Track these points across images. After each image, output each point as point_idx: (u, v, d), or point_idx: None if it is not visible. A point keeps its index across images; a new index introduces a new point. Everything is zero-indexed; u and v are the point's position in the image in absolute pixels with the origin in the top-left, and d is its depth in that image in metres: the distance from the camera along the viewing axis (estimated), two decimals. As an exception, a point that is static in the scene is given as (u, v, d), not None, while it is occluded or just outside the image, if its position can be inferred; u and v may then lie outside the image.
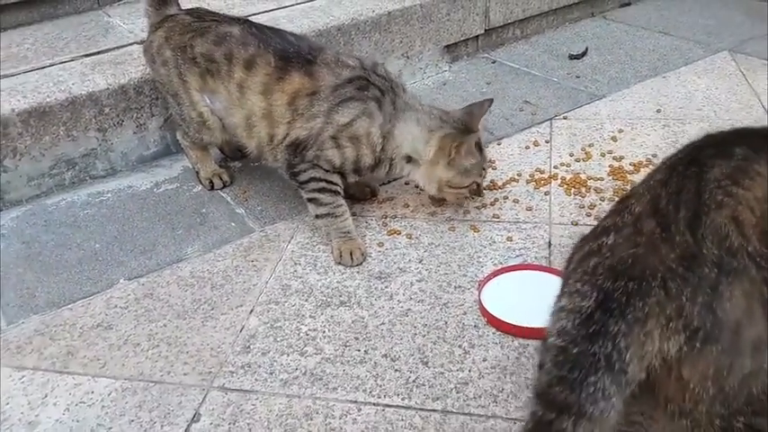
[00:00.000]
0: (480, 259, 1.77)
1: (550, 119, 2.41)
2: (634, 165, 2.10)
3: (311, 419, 1.35)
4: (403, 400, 1.38)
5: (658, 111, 2.42)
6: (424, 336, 1.54)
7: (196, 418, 1.36)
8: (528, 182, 2.06)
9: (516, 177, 2.08)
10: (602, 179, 2.05)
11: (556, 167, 2.12)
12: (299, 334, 1.56)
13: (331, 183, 1.80)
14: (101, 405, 1.40)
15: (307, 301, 1.66)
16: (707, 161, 1.04)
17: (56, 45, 2.39)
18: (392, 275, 1.73)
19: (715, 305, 0.92)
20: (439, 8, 2.71)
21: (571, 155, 2.18)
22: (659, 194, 1.04)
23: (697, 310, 0.92)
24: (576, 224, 1.86)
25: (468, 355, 1.48)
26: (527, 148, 2.24)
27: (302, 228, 1.92)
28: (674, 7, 3.35)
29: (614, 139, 2.26)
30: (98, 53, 2.31)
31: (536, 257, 1.76)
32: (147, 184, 2.16)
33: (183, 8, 2.04)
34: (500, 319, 1.53)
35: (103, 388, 1.44)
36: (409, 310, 1.61)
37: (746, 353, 0.92)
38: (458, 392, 1.39)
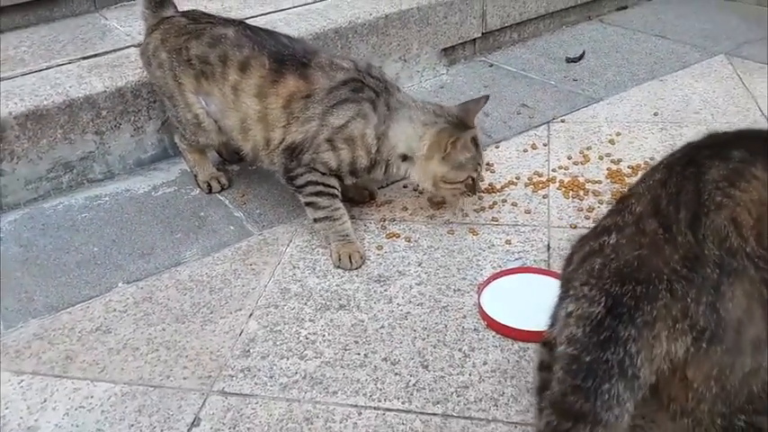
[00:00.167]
0: (479, 262, 1.77)
1: (548, 122, 2.41)
2: (632, 168, 2.10)
3: (311, 424, 1.34)
4: (403, 403, 1.38)
5: (656, 114, 2.43)
6: (423, 339, 1.54)
7: (196, 422, 1.36)
8: (526, 185, 2.06)
9: (514, 180, 2.09)
10: (600, 182, 2.05)
11: (554, 170, 2.12)
12: (298, 338, 1.56)
13: (328, 186, 1.80)
14: (100, 410, 1.40)
15: (306, 304, 1.66)
16: (704, 162, 1.05)
17: (53, 48, 2.38)
18: (391, 279, 1.72)
19: (718, 305, 0.93)
20: (436, 11, 2.71)
21: (569, 158, 2.18)
22: (659, 194, 1.05)
23: (702, 309, 0.93)
24: (575, 227, 1.87)
25: (468, 359, 1.48)
26: (525, 151, 2.25)
27: (301, 231, 1.92)
28: (670, 11, 3.36)
29: (612, 142, 2.26)
30: (95, 56, 2.31)
31: (535, 260, 1.76)
32: (144, 187, 2.15)
33: (179, 10, 2.04)
34: (500, 323, 1.54)
35: (103, 392, 1.44)
36: (409, 313, 1.61)
37: (747, 352, 0.93)
38: (458, 396, 1.39)
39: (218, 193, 2.11)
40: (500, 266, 1.74)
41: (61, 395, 1.43)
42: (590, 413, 0.93)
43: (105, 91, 2.12)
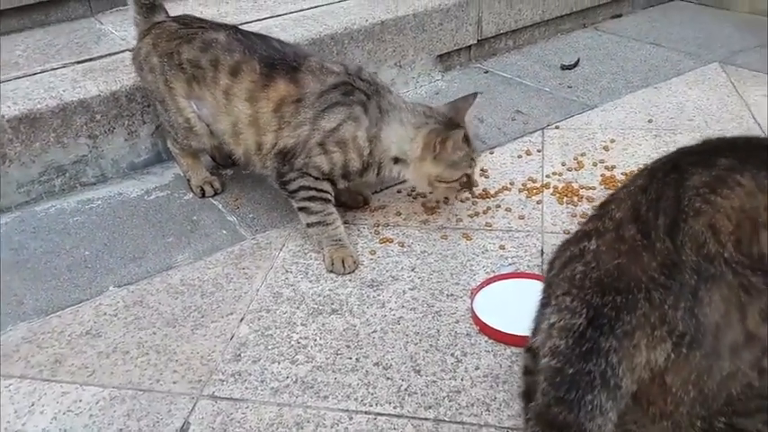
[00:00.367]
0: (473, 267, 1.76)
1: (542, 128, 2.42)
2: (626, 174, 2.10)
3: (302, 428, 1.33)
4: (395, 408, 1.37)
5: (650, 121, 2.43)
6: (416, 344, 1.53)
7: (185, 427, 1.35)
8: (520, 191, 2.06)
9: (509, 186, 2.08)
10: (593, 188, 2.05)
11: (548, 176, 2.12)
12: (290, 342, 1.55)
13: (321, 191, 1.79)
14: (89, 414, 1.38)
15: (298, 308, 1.65)
16: (688, 168, 1.05)
17: (47, 52, 2.38)
18: (384, 283, 1.72)
19: (696, 310, 0.93)
20: (432, 18, 2.72)
21: (563, 164, 2.18)
22: (639, 201, 1.05)
23: (680, 315, 0.93)
24: (569, 233, 1.85)
25: (460, 364, 1.47)
26: (519, 157, 2.25)
27: (294, 235, 1.91)
28: (665, 19, 3.38)
29: (606, 148, 2.26)
30: (90, 60, 2.31)
31: (528, 266, 1.76)
32: (137, 191, 2.15)
33: (171, 16, 2.03)
34: (492, 328, 1.53)
35: (91, 396, 1.42)
36: (401, 318, 1.60)
37: (725, 356, 0.94)
38: (450, 401, 1.38)
39: (212, 197, 2.10)
40: (493, 271, 1.73)
41: (49, 399, 1.42)
42: (573, 424, 0.94)
43: (99, 95, 2.12)
